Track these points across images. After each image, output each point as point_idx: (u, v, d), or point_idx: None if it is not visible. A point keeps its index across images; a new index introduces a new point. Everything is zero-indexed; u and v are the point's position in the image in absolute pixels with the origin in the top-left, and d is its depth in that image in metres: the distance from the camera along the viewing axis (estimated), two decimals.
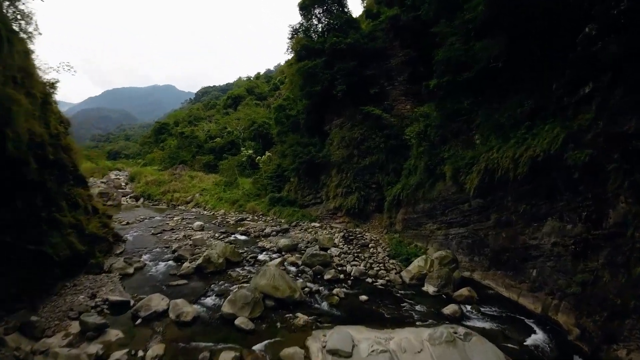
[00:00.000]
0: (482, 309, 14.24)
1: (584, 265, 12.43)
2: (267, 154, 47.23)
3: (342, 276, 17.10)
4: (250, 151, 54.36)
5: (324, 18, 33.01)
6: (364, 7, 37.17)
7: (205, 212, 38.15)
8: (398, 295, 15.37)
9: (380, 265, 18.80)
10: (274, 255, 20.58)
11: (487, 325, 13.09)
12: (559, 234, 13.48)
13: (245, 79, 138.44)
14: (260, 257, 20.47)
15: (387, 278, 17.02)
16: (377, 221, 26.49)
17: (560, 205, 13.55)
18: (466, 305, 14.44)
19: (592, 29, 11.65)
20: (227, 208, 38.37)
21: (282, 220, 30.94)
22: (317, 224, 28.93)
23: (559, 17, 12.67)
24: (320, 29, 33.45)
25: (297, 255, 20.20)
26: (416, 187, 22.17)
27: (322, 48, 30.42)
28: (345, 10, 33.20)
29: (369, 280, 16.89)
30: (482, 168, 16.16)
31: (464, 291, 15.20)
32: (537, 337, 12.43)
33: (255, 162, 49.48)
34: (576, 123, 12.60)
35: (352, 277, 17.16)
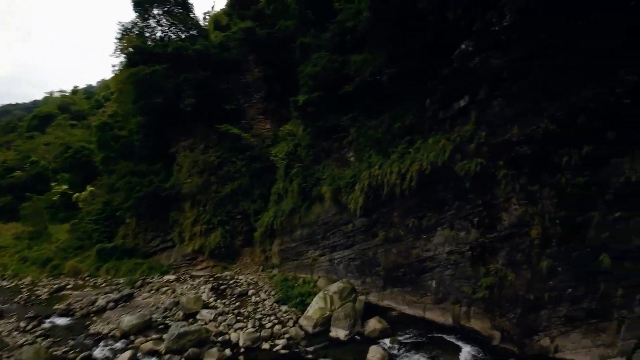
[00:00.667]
0: (400, 339, 12.47)
1: (485, 269, 12.21)
2: (89, 189, 34.69)
3: (229, 352, 12.35)
4: (65, 186, 39.78)
5: (164, 20, 26.36)
6: (209, 16, 32.15)
7: (4, 284, 25.43)
8: (309, 357, 11.93)
9: (272, 318, 14.67)
10: (118, 345, 13.59)
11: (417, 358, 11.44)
12: (453, 242, 13.02)
13: (58, 94, 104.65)
14: (97, 353, 13.18)
15: (286, 335, 13.15)
16: (249, 257, 22.19)
17: (449, 214, 13.18)
18: (385, 341, 12.35)
19: (468, 45, 11.72)
20: (36, 273, 26.46)
21: (121, 281, 22.24)
22: (172, 277, 21.98)
23: (440, 33, 12.30)
24: (159, 33, 26.64)
25: (154, 336, 13.79)
26: (291, 213, 19.38)
27: (163, 52, 24.01)
28: (192, 15, 27.47)
29: (266, 345, 12.64)
30: (365, 186, 14.72)
31: (374, 323, 13.12)
32: (467, 352, 11.46)
33: (72, 201, 35.81)
34: (457, 135, 12.52)
35: (243, 349, 12.57)
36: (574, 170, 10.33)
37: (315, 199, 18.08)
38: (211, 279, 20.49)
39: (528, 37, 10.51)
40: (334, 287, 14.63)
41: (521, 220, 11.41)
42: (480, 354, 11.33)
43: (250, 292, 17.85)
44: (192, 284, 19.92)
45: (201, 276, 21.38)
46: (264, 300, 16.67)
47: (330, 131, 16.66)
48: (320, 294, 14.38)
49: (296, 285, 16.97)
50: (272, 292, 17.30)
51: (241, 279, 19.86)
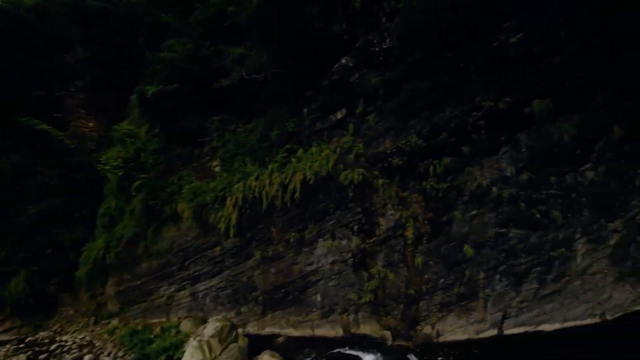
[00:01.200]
0: None
1: (368, 273, 12.18)
2: None
3: None
4: None
5: None
6: None
7: None
8: None
9: None
10: None
11: None
12: (335, 251, 12.49)
13: None
14: None
15: None
16: (72, 307, 15.38)
17: (330, 224, 12.60)
18: None
19: (349, 60, 11.40)
20: None
21: None
22: None
23: (324, 43, 11.39)
24: None
25: None
26: (131, 240, 14.57)
27: None
28: None
29: None
30: (239, 200, 12.53)
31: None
32: None
33: None
34: (336, 146, 12.16)
35: None
36: (438, 177, 11.45)
37: (168, 219, 14.26)
38: (22, 345, 13.21)
39: (402, 61, 11.09)
40: (209, 329, 11.54)
41: (397, 224, 11.94)
42: (381, 358, 11.12)
43: (86, 358, 12.26)
44: None
45: (6, 343, 13.50)
46: None
47: (188, 134, 13.36)
48: (194, 343, 10.98)
49: (153, 337, 12.59)
50: (120, 354, 12.29)
51: (67, 341, 13.45)
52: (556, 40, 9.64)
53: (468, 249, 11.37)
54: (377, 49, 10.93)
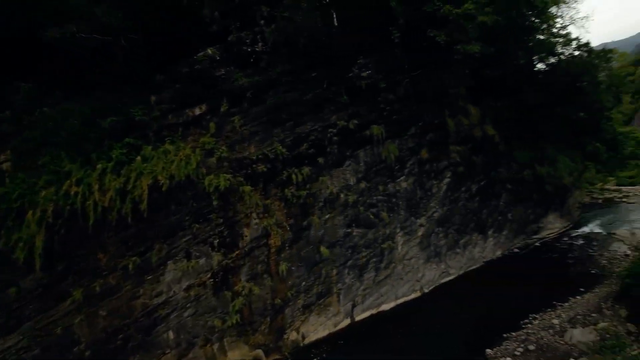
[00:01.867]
0: None
1: (231, 293, 10.93)
2: None
3: None
4: None
5: None
6: None
7: None
8: None
9: None
10: None
11: None
12: (192, 274, 10.59)
13: None
14: None
15: None
16: None
17: (184, 241, 10.62)
18: None
19: (215, 52, 10.21)
20: None
21: None
22: None
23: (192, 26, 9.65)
24: None
25: None
26: None
27: None
28: None
29: None
30: (48, 214, 8.76)
31: None
32: None
33: None
34: (192, 145, 10.51)
35: None
36: (297, 185, 11.92)
37: None
38: None
39: (273, 68, 11.22)
40: None
41: (261, 232, 11.50)
42: None
43: None
44: None
45: None
46: None
47: None
48: None
49: None
50: None
51: None
52: (394, 81, 12.33)
53: (324, 250, 12.24)
54: (249, 50, 10.53)
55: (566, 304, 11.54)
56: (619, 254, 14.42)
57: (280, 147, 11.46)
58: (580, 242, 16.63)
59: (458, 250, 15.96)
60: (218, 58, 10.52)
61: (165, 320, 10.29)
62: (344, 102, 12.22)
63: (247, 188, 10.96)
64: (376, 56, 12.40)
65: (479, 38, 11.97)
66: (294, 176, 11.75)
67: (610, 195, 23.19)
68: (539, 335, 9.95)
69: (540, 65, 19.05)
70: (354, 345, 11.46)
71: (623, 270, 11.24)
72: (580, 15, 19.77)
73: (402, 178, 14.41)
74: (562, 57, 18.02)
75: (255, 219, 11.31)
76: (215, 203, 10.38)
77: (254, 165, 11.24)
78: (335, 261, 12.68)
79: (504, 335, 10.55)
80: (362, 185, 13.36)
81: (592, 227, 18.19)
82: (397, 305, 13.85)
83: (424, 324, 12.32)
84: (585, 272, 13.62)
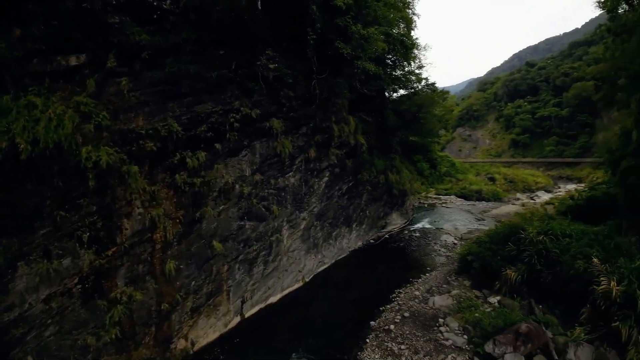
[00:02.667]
0: None
1: (106, 301, 8.63)
2: None
3: None
4: None
5: None
6: None
7: None
8: None
9: None
10: None
11: None
12: (54, 280, 7.84)
13: None
14: None
15: None
16: None
17: (42, 235, 7.73)
18: None
19: None
20: None
21: None
22: None
23: None
24: None
25: None
26: None
27: None
28: None
29: None
30: None
31: None
32: None
33: None
34: (68, 105, 7.73)
35: None
36: (189, 172, 10.63)
37: None
38: None
39: (178, 32, 9.68)
40: None
41: (145, 225, 9.61)
42: None
43: None
44: None
45: None
46: None
47: None
48: None
49: None
50: None
51: None
52: (299, 80, 12.67)
53: (217, 244, 11.29)
54: (155, 3, 8.70)
55: (420, 280, 14.48)
56: (448, 243, 19.13)
57: (176, 124, 9.93)
58: (417, 234, 21.17)
59: (331, 241, 17.56)
60: (114, 2, 8.28)
61: (20, 343, 7.28)
62: (250, 88, 11.70)
63: (134, 168, 8.96)
64: (289, 52, 12.50)
65: (371, 59, 13.89)
66: (188, 160, 10.36)
67: (433, 202, 30.32)
68: (409, 305, 12.12)
69: (396, 95, 23.61)
70: (245, 343, 10.95)
71: (464, 251, 14.91)
72: (427, 61, 25.83)
73: (290, 174, 14.83)
74: (413, 90, 22.89)
75: (138, 207, 9.35)
76: (91, 184, 8.00)
77: (141, 142, 9.28)
78: (227, 256, 11.82)
79: (381, 308, 12.31)
80: (257, 177, 13.04)
81: (424, 224, 23.43)
82: (283, 297, 14.06)
83: (309, 311, 13.03)
84: (428, 256, 17.44)
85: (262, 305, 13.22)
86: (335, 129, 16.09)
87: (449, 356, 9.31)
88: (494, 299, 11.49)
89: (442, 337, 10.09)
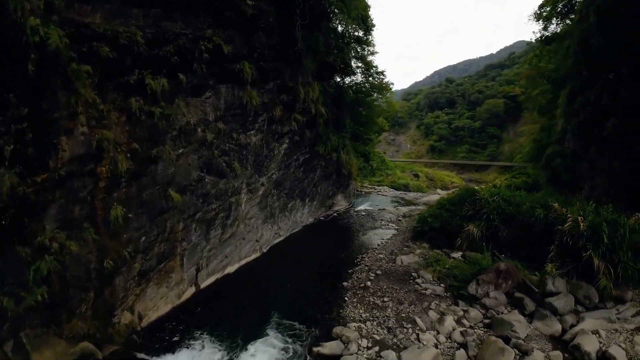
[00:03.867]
0: None
1: (30, 250, 6.34)
2: None
3: None
4: None
5: None
6: None
7: None
8: None
9: None
10: None
11: None
12: None
13: None
14: None
15: None
16: None
17: None
18: None
19: None
20: None
21: None
22: None
23: None
24: None
25: None
26: None
27: None
28: None
29: None
30: None
31: None
32: None
33: None
34: None
35: None
36: (148, 99, 8.78)
37: None
38: None
39: None
40: None
41: (88, 150, 7.46)
42: None
43: None
44: None
45: None
46: None
47: None
48: None
49: None
50: None
51: None
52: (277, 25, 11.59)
53: (175, 194, 9.53)
54: None
55: (379, 246, 14.45)
56: (393, 219, 19.70)
57: (140, 34, 8.01)
58: (364, 213, 21.40)
59: (287, 213, 16.58)
60: None
61: None
62: (225, 19, 10.21)
63: (85, 67, 6.86)
64: None
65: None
66: (150, 82, 8.50)
67: (369, 190, 31.40)
68: (378, 265, 11.91)
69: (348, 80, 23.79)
70: (204, 316, 9.38)
71: (423, 213, 15.38)
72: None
73: (252, 132, 13.51)
74: (365, 77, 23.36)
75: (83, 125, 7.25)
76: (31, 68, 5.76)
77: (95, 43, 7.20)
78: (183, 212, 10.03)
79: (349, 271, 11.84)
80: (220, 126, 11.47)
81: (365, 207, 23.84)
82: (241, 267, 12.65)
83: (272, 280, 11.95)
84: (379, 229, 17.65)
85: (219, 276, 11.61)
86: (302, 91, 15.24)
87: (432, 303, 9.35)
88: (456, 254, 12.01)
89: (420, 288, 10.09)
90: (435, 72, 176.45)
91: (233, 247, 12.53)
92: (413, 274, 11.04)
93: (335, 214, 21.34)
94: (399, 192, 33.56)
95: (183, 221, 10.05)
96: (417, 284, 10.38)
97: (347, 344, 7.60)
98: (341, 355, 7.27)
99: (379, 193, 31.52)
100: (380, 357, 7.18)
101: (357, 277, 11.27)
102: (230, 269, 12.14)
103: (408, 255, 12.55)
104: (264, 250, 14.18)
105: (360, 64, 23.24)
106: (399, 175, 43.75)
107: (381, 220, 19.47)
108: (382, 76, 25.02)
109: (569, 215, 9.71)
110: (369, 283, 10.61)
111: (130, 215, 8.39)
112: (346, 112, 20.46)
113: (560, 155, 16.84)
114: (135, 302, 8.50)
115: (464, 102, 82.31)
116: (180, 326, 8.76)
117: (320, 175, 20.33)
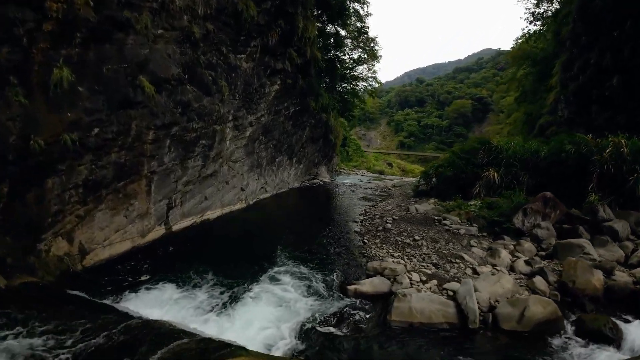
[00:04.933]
0: None
1: None
2: None
3: None
4: None
5: None
6: None
7: None
8: None
9: None
10: None
11: None
12: None
13: None
14: None
15: None
16: None
17: None
18: None
19: None
20: None
21: None
22: None
23: None
24: None
25: None
26: None
27: None
28: None
29: None
30: None
31: None
32: None
33: None
34: None
35: None
36: None
37: None
38: None
39: None
40: None
41: None
42: None
43: None
44: None
45: None
46: None
47: None
48: None
49: None
50: None
51: None
52: None
53: (147, 84, 6.94)
54: None
55: (380, 203, 12.57)
56: (383, 187, 18.07)
57: None
58: (349, 184, 19.56)
59: (274, 168, 14.28)
60: None
61: None
62: None
63: None
64: None
65: None
66: None
67: (347, 172, 30.06)
68: (390, 212, 10.08)
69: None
70: (176, 258, 6.85)
71: (434, 164, 13.74)
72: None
73: (243, 56, 11.12)
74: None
75: None
76: None
77: None
78: (156, 116, 7.43)
79: (357, 220, 9.84)
80: (209, 26, 8.98)
81: (350, 181, 22.02)
82: (224, 214, 10.16)
83: (265, 227, 9.60)
84: (372, 193, 15.83)
85: (196, 219, 9.08)
86: (301, 21, 13.09)
87: (472, 241, 7.63)
88: (474, 202, 10.49)
89: (451, 229, 8.34)
90: (405, 73, 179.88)
91: (215, 188, 10.02)
92: (436, 218, 9.35)
93: (320, 182, 19.28)
94: (378, 175, 32.70)
95: (155, 130, 7.43)
96: (446, 224, 8.71)
97: (393, 278, 5.59)
98: (390, 293, 5.24)
99: (358, 174, 30.28)
100: (444, 289, 5.25)
101: (369, 223, 9.34)
102: (211, 215, 9.62)
103: (422, 204, 10.88)
104: (250, 202, 11.75)
105: (354, 21, 21.27)
106: (374, 162, 42.81)
107: (370, 189, 17.73)
108: (372, 44, 23.56)
109: (611, 140, 8.69)
110: (389, 225, 8.75)
111: (81, 89, 5.74)
112: (337, 81, 18.70)
113: (554, 123, 16.48)
114: (76, 228, 5.81)
115: (433, 102, 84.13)
116: (143, 266, 6.23)
117: (309, 137, 18.23)
